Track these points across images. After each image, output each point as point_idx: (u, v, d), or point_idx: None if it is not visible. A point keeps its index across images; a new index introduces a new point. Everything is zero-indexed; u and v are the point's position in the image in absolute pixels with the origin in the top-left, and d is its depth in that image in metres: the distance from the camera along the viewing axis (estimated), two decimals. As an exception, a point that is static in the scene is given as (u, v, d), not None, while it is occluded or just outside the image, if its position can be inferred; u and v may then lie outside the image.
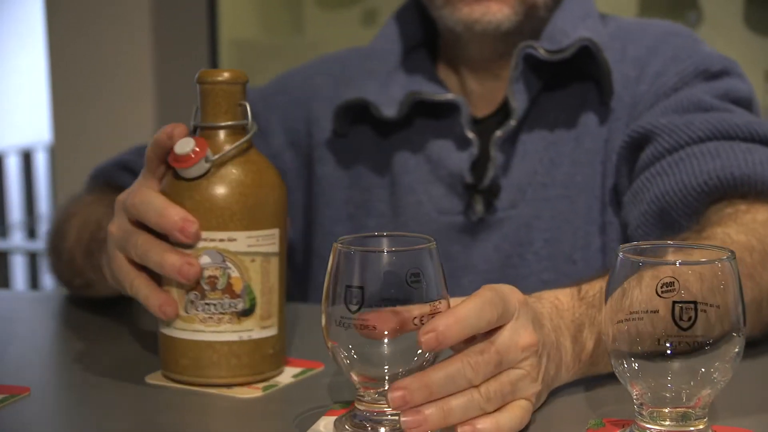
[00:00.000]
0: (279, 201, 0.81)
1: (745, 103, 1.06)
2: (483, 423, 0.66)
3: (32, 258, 4.69)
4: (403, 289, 0.67)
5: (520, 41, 1.09)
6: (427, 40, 1.20)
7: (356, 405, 0.70)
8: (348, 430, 0.69)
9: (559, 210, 1.09)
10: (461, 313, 0.65)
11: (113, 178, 1.14)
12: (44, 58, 2.44)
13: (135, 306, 1.11)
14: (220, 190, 0.78)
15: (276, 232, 0.80)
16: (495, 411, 0.67)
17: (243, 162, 0.80)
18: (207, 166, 0.78)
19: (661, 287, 0.65)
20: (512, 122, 1.08)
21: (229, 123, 0.81)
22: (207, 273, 0.78)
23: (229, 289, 0.78)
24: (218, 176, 0.78)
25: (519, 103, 1.08)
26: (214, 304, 0.78)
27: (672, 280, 0.64)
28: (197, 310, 0.78)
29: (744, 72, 1.10)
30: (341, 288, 0.68)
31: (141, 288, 0.80)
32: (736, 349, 0.65)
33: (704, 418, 0.66)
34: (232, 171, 0.79)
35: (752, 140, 0.98)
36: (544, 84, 1.11)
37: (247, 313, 0.78)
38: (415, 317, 0.67)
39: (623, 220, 1.05)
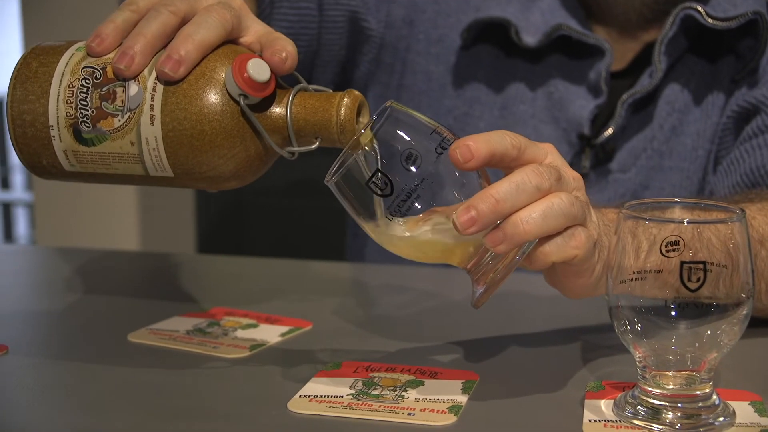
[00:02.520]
0: (210, 178, 0.69)
1: None
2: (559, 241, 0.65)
3: (6, 209, 4.63)
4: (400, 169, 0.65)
5: (669, 9, 1.03)
6: None
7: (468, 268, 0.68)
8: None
9: (671, 182, 1.04)
10: (483, 134, 0.64)
11: None
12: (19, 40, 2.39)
13: (118, 260, 1.09)
14: (205, 105, 0.67)
15: (170, 175, 0.69)
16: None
17: (252, 154, 0.69)
18: (251, 101, 0.68)
19: (666, 246, 0.62)
20: (654, 82, 1.02)
21: (294, 127, 0.69)
22: (118, 88, 0.68)
23: (101, 113, 0.68)
24: (236, 124, 0.68)
25: (663, 65, 1.02)
26: (84, 98, 0.68)
27: (677, 238, 0.62)
28: (76, 83, 0.69)
29: None
30: (366, 195, 0.64)
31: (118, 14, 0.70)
32: (745, 312, 0.63)
33: (709, 381, 0.64)
34: (239, 135, 0.68)
35: None
36: (686, 49, 1.05)
37: (78, 136, 0.69)
38: (435, 147, 0.65)
39: (712, 188, 1.01)
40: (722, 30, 1.01)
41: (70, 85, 0.69)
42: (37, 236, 2.67)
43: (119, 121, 0.68)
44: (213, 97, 0.67)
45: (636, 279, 0.63)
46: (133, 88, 0.68)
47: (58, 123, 0.69)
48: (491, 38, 1.09)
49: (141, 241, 2.32)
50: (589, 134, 1.04)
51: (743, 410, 0.65)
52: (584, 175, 1.04)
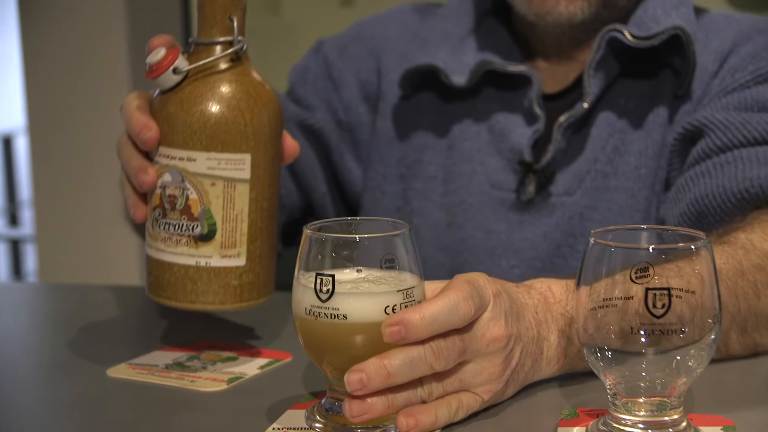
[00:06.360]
0: (255, 124, 0.76)
1: None
2: (424, 416, 0.66)
3: (14, 245, 4.65)
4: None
5: (600, 28, 1.05)
6: (499, 6, 1.15)
7: (328, 394, 0.68)
8: (319, 420, 0.67)
9: (618, 202, 1.04)
10: (433, 309, 0.64)
11: None
12: (17, 38, 2.40)
13: (110, 295, 1.09)
14: (183, 106, 0.75)
15: (246, 157, 0.76)
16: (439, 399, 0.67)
17: (220, 79, 0.76)
18: (176, 78, 0.76)
19: (636, 273, 0.62)
20: (584, 105, 1.04)
21: (218, 39, 0.77)
22: (168, 191, 0.76)
23: (187, 211, 0.75)
24: (186, 91, 0.76)
25: (594, 88, 1.04)
26: (173, 224, 0.75)
27: (647, 265, 0.62)
28: (159, 228, 0.76)
29: None
30: (311, 276, 0.66)
31: (131, 156, 0.79)
32: (713, 336, 0.63)
33: (679, 407, 0.64)
34: (203, 88, 0.75)
35: None
36: (620, 69, 1.06)
37: (205, 238, 0.75)
38: (387, 306, 0.65)
39: (661, 216, 1.01)
40: (654, 48, 1.03)
41: None
42: (40, 272, 2.68)
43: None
44: (215, 107, 0.75)
45: (605, 306, 0.64)
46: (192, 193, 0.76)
47: None
48: (431, 86, 1.12)
49: (142, 275, 2.33)
50: (531, 160, 1.05)
51: (715, 436, 0.65)
52: (530, 201, 1.06)
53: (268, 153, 0.77)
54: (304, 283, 0.67)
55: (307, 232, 0.67)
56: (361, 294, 0.65)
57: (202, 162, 0.74)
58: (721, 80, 1.03)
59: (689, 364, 0.63)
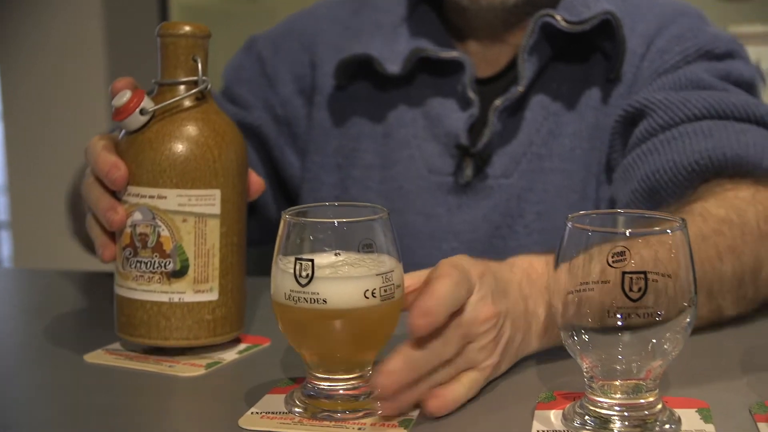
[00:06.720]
0: (224, 160, 0.78)
1: (746, 86, 1.05)
2: (450, 396, 0.67)
3: (-12, 231, 4.61)
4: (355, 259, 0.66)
5: (532, 11, 1.07)
6: None
7: (308, 379, 0.68)
8: (299, 405, 0.67)
9: (554, 183, 1.07)
10: (441, 292, 0.64)
11: None
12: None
13: (87, 280, 1.09)
14: (152, 145, 0.77)
15: (216, 193, 0.77)
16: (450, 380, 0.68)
17: (187, 118, 0.78)
18: (143, 119, 0.77)
19: (613, 257, 0.63)
20: (519, 89, 1.06)
21: (182, 79, 0.79)
22: (139, 230, 0.77)
23: (159, 248, 0.76)
24: (154, 131, 0.77)
25: (528, 72, 1.05)
26: (145, 262, 0.77)
27: (623, 249, 0.63)
28: (131, 267, 0.77)
29: (749, 56, 1.09)
30: (290, 260, 0.66)
31: (99, 197, 0.79)
32: (688, 320, 0.64)
33: (655, 390, 0.65)
34: (170, 126, 0.77)
35: (747, 120, 0.97)
36: (552, 54, 1.08)
37: (178, 274, 0.77)
38: (366, 290, 0.65)
39: (612, 196, 1.03)
40: (584, 32, 1.05)
41: None
42: (15, 258, 2.66)
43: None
44: (184, 144, 0.77)
45: (582, 290, 0.64)
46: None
47: None
48: (365, 76, 1.13)
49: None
50: (467, 144, 1.06)
51: (690, 417, 0.66)
52: (468, 184, 1.07)
53: (236, 188, 0.79)
54: (282, 267, 0.67)
55: (286, 217, 0.67)
56: (340, 278, 0.65)
57: (173, 199, 0.76)
58: (651, 62, 1.06)
59: (665, 346, 0.63)
